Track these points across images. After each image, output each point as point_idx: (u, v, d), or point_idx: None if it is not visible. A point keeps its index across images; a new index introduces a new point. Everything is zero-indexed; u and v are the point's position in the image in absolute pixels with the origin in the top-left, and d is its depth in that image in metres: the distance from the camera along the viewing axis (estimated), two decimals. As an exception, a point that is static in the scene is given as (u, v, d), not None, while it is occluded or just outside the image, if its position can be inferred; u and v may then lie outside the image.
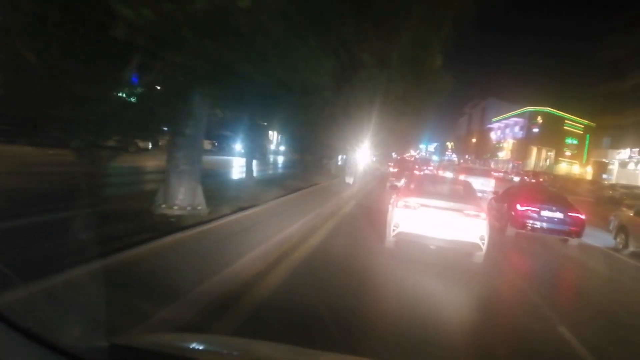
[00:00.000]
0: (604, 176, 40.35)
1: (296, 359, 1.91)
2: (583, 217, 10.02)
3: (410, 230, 6.95)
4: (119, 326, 2.74)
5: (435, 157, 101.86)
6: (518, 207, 10.21)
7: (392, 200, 7.95)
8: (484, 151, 73.98)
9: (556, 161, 65.26)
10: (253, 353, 1.83)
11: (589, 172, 50.13)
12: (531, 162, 65.38)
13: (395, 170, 21.16)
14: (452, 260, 7.02)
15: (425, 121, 29.37)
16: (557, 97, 67.07)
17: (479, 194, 19.43)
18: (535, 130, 63.63)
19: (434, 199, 7.09)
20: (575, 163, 62.69)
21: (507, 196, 11.64)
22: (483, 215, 6.97)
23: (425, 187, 8.16)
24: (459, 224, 6.82)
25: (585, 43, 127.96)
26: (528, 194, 11.00)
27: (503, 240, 9.85)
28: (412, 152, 78.95)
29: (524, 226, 10.04)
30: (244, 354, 1.82)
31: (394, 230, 7.06)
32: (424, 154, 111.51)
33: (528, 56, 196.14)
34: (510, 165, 68.66)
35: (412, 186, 8.16)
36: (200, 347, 1.80)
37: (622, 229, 10.43)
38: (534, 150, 66.49)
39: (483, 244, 6.82)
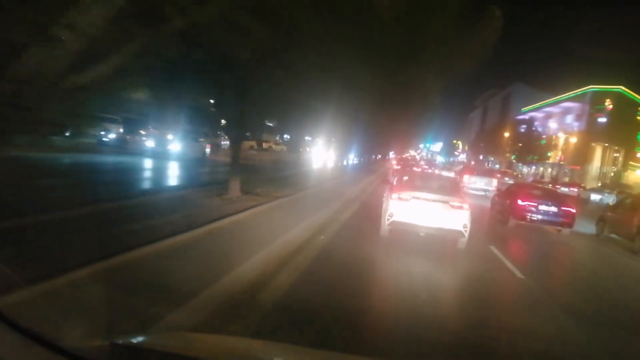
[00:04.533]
0: None
1: (297, 358, 1.95)
2: (574, 210, 11.94)
3: (402, 219, 7.96)
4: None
5: (440, 158, 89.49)
6: (519, 202, 12.30)
7: (386, 194, 9.13)
8: (527, 151, 51.52)
9: (625, 166, 47.66)
10: (254, 352, 1.88)
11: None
12: (593, 167, 46.80)
13: (399, 167, 25.96)
14: (440, 245, 8.16)
15: (426, 117, 27.61)
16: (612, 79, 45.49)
17: (483, 193, 22.10)
18: (602, 120, 43.58)
19: (424, 192, 8.15)
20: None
21: (508, 193, 13.75)
22: (466, 206, 8.05)
23: (417, 182, 9.10)
24: (445, 214, 7.87)
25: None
26: (527, 191, 13.02)
27: (506, 230, 12.15)
28: (412, 152, 69.69)
29: (524, 218, 12.12)
30: (244, 354, 1.86)
31: (388, 219, 8.06)
32: (425, 154, 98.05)
33: (567, 32, 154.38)
34: (558, 170, 51.03)
35: (404, 181, 9.26)
36: (201, 347, 1.83)
37: (601, 219, 13.53)
38: (598, 149, 47.23)
39: (466, 231, 7.87)
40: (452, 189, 8.90)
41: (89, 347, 1.66)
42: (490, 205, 15.59)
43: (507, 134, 59.19)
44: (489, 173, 25.04)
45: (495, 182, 23.21)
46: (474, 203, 18.35)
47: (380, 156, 51.24)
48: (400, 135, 31.74)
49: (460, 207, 7.98)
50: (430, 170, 30.09)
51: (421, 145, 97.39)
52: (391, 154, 54.86)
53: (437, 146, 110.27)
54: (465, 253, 8.00)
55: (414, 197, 8.05)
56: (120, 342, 1.66)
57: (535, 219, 12.04)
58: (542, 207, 12.09)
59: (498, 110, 76.83)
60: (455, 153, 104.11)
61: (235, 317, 3.75)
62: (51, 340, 1.53)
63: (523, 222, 12.24)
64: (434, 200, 8.00)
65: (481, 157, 72.20)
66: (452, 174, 24.90)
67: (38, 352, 1.49)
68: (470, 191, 22.07)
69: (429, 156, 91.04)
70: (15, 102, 4.03)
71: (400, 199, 8.07)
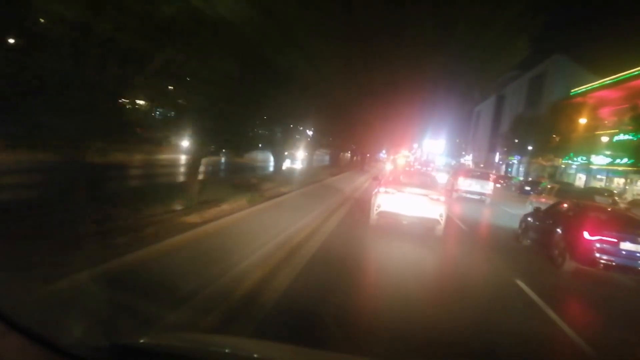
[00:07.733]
0: None
1: (296, 358, 1.95)
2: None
3: (389, 210, 9.14)
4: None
5: (442, 160, 76.16)
6: (586, 235, 7.68)
7: (375, 190, 9.91)
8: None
9: None
10: (252, 353, 1.87)
11: None
12: None
13: (393, 167, 27.57)
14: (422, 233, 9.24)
15: (422, 107, 21.27)
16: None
17: (478, 197, 20.33)
18: None
19: (407, 187, 9.39)
20: None
21: (559, 216, 9.10)
22: (442, 198, 9.29)
23: (402, 178, 10.49)
24: (424, 205, 9.07)
25: None
26: (596, 218, 8.36)
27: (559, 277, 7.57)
28: (406, 152, 60.24)
29: (592, 262, 7.54)
30: (243, 354, 1.86)
31: (376, 209, 9.27)
32: (420, 154, 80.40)
33: None
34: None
35: (390, 178, 10.53)
36: (200, 347, 1.85)
37: None
38: None
39: (441, 219, 9.04)
40: (432, 184, 10.27)
41: (88, 347, 1.68)
42: (520, 230, 10.95)
43: (583, 120, 30.88)
44: (484, 175, 21.53)
45: (491, 185, 20.55)
46: (470, 207, 16.23)
47: (351, 154, 37.27)
48: (383, 130, 25.40)
49: (438, 200, 9.14)
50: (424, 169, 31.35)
51: (415, 145, 79.46)
52: (382, 154, 51.76)
53: (438, 144, 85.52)
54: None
55: (398, 191, 9.20)
56: (119, 342, 1.65)
57: (614, 264, 7.47)
58: (627, 246, 7.51)
59: (523, 96, 55.53)
60: (463, 153, 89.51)
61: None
62: (51, 341, 1.52)
63: (591, 268, 7.69)
64: (415, 194, 9.15)
65: (497, 159, 56.87)
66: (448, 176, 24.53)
67: (38, 352, 1.48)
68: (464, 195, 19.85)
69: (426, 157, 74.28)
70: None
71: (387, 192, 9.22)
